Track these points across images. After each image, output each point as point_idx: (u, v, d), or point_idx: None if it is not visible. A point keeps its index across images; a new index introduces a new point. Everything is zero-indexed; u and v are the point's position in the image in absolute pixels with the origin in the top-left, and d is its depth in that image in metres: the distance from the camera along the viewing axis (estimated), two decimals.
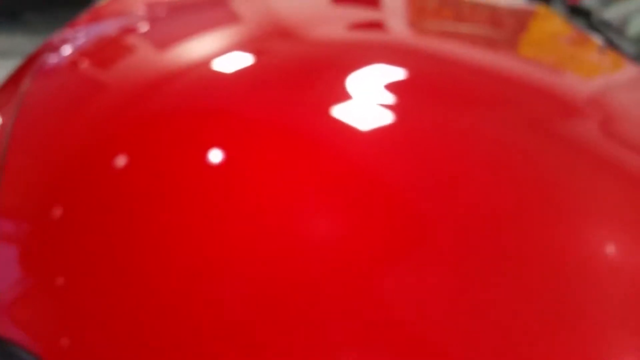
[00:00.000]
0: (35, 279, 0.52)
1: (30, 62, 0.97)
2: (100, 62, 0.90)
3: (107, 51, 0.93)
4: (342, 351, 0.44)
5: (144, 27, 0.99)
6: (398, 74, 0.80)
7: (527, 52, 1.00)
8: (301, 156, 0.62)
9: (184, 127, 0.67)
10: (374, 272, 0.49)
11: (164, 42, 0.92)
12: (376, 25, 1.03)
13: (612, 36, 1.10)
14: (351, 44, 0.92)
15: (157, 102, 0.74)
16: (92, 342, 0.46)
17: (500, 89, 0.80)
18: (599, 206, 0.60)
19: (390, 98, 0.73)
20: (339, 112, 0.69)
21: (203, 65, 0.82)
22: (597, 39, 1.09)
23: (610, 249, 0.56)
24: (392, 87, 0.77)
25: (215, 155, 0.62)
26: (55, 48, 0.96)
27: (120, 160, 0.63)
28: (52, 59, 0.91)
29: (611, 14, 1.27)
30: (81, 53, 0.92)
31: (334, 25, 0.99)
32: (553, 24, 1.21)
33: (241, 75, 0.79)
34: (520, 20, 1.21)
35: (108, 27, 1.01)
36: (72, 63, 0.88)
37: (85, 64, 0.89)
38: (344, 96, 0.73)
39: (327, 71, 0.81)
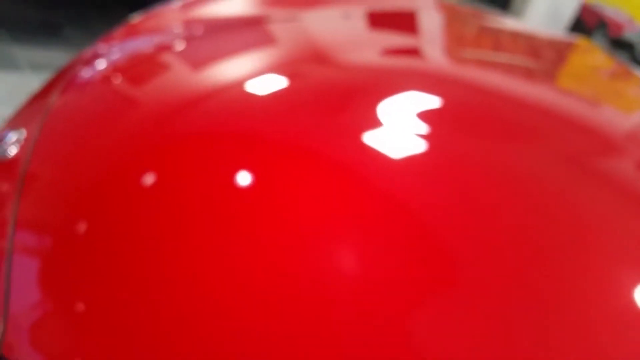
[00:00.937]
0: (54, 301, 0.50)
1: (61, 76, 0.97)
2: (131, 78, 0.89)
3: (139, 68, 0.92)
4: None
5: (177, 45, 0.99)
6: (433, 103, 0.77)
7: (566, 84, 0.96)
8: (332, 185, 0.60)
9: (212, 149, 0.65)
10: (403, 311, 0.46)
11: (197, 62, 0.91)
12: (413, 52, 1.00)
13: None
14: (387, 71, 0.90)
15: (187, 123, 0.72)
16: None
17: (537, 123, 0.77)
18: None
19: (424, 128, 0.70)
20: (374, 141, 0.67)
21: (234, 87, 0.80)
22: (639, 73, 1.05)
23: None
24: (427, 116, 0.74)
25: (243, 179, 0.60)
26: (87, 62, 0.96)
27: (146, 180, 0.61)
28: (83, 73, 0.91)
29: None
30: (113, 68, 0.92)
31: (369, 50, 0.97)
32: (594, 57, 1.17)
33: (273, 99, 0.78)
34: (559, 52, 1.18)
35: (142, 44, 1.01)
36: (103, 78, 0.88)
37: (116, 80, 0.88)
38: (378, 125, 0.71)
39: (362, 99, 0.79)
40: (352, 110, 0.74)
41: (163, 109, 0.75)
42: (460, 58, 1.01)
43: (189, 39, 1.02)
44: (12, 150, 0.70)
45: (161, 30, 1.05)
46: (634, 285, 0.52)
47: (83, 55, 1.03)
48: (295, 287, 0.47)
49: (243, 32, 1.06)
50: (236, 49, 0.98)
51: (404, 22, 1.19)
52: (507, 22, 1.39)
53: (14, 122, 0.79)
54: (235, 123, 0.72)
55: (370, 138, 0.67)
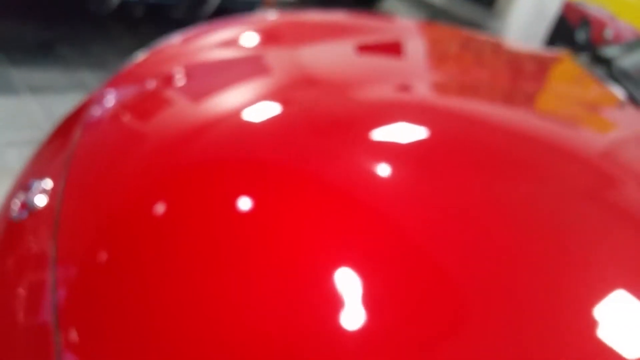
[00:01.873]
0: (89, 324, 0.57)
1: (74, 118, 1.03)
2: (143, 119, 0.96)
3: (148, 107, 0.99)
4: None
5: (184, 84, 1.05)
6: (420, 134, 0.84)
7: (547, 108, 1.03)
8: (334, 214, 0.66)
9: (224, 182, 0.72)
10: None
11: (203, 97, 0.98)
12: (401, 85, 1.07)
13: (629, 87, 1.13)
14: (379, 103, 0.97)
15: (208, 163, 0.79)
16: None
17: (525, 154, 0.84)
18: None
19: (415, 165, 0.77)
20: (380, 173, 0.74)
21: (239, 120, 0.87)
22: (617, 91, 1.12)
23: None
24: (418, 149, 0.81)
25: (254, 209, 0.66)
26: (98, 105, 1.02)
27: (167, 217, 0.68)
28: (97, 117, 0.97)
29: (630, 61, 1.30)
30: (125, 111, 0.98)
31: (360, 82, 1.04)
32: (573, 76, 1.24)
33: (278, 133, 0.84)
34: (541, 72, 1.25)
35: (148, 84, 1.07)
36: (116, 122, 0.94)
37: (129, 122, 0.95)
38: (382, 157, 0.78)
39: (356, 130, 0.86)
40: (351, 146, 0.81)
41: (179, 148, 0.82)
42: (446, 87, 1.08)
43: (193, 76, 1.08)
44: (41, 201, 0.76)
45: (165, 68, 1.11)
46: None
47: (93, 97, 1.09)
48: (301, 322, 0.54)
49: (240, 66, 1.12)
50: (235, 82, 1.04)
51: (391, 52, 1.26)
52: (488, 41, 1.46)
53: (38, 171, 0.85)
54: (242, 153, 0.79)
55: (378, 172, 0.74)
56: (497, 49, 1.40)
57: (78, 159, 0.84)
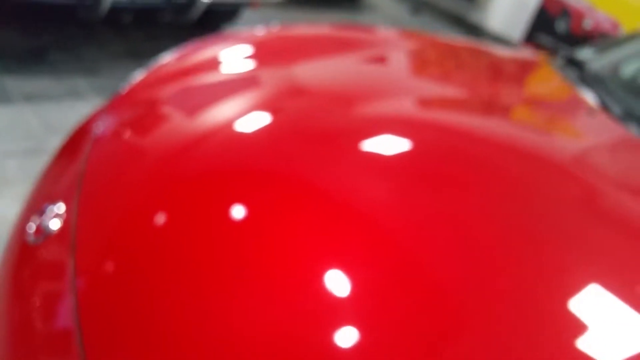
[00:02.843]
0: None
1: (78, 138, 1.09)
2: (145, 138, 1.02)
3: (149, 126, 1.05)
4: None
5: (180, 101, 1.11)
6: (408, 145, 0.92)
7: (522, 116, 1.11)
8: (327, 223, 0.74)
9: (225, 193, 0.80)
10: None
11: (200, 113, 1.04)
12: (385, 95, 1.14)
13: (600, 91, 1.20)
14: (366, 117, 1.04)
15: (201, 172, 0.87)
16: None
17: (495, 161, 0.91)
18: None
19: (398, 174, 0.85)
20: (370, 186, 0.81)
21: (235, 132, 0.94)
22: (588, 97, 1.19)
23: None
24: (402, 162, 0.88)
25: (247, 220, 0.73)
26: (102, 123, 1.08)
27: (174, 230, 0.76)
28: (100, 139, 1.03)
29: (601, 64, 1.37)
30: (127, 132, 1.04)
31: (356, 99, 1.11)
32: (548, 82, 1.31)
33: (272, 144, 0.92)
34: (518, 78, 1.32)
35: (147, 102, 1.13)
36: (120, 143, 1.01)
37: (132, 145, 1.01)
38: (369, 167, 0.86)
39: (343, 143, 0.93)
40: (339, 159, 0.88)
41: (180, 163, 0.89)
42: (428, 99, 1.15)
43: (190, 93, 1.15)
44: (56, 225, 0.82)
45: (162, 87, 1.17)
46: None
47: (95, 116, 1.15)
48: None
49: (233, 81, 1.18)
50: (229, 97, 1.11)
51: (376, 64, 1.33)
52: (467, 48, 1.53)
53: (50, 194, 0.92)
54: (239, 164, 0.87)
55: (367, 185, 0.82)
56: (476, 56, 1.47)
57: (87, 181, 0.90)
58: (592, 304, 0.67)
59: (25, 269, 0.82)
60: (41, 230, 0.83)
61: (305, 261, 0.69)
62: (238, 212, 0.77)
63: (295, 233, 0.73)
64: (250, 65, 1.23)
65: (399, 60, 1.39)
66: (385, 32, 1.61)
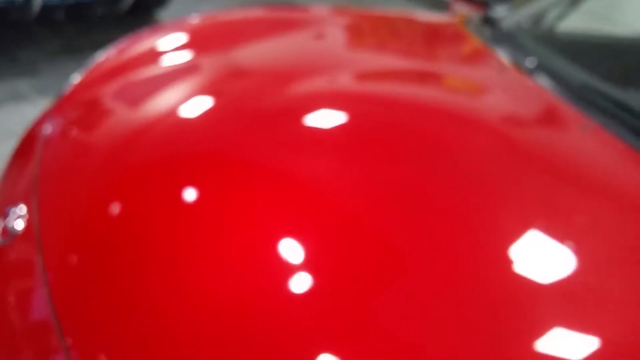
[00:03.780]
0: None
1: (28, 142, 1.15)
2: (92, 131, 1.09)
3: (95, 121, 1.11)
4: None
5: (123, 95, 1.17)
6: (345, 118, 1.01)
7: (441, 82, 1.21)
8: (268, 193, 0.83)
9: (176, 176, 0.88)
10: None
11: (144, 107, 1.11)
12: (325, 70, 1.23)
13: (511, 49, 1.32)
14: (310, 92, 1.13)
15: (149, 159, 0.95)
16: None
17: (419, 124, 1.02)
18: None
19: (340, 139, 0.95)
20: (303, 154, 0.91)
21: (180, 118, 1.01)
22: (501, 54, 1.30)
23: None
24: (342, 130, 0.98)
25: (199, 199, 0.82)
26: (49, 124, 1.14)
27: (127, 212, 0.85)
28: (49, 139, 1.09)
29: (512, 22, 1.48)
30: (75, 125, 1.11)
31: (294, 77, 1.19)
32: (463, 42, 1.42)
33: (216, 126, 1.00)
34: (433, 41, 1.42)
35: (91, 97, 1.19)
36: (69, 136, 1.07)
37: (81, 139, 1.08)
38: (310, 141, 0.95)
39: (284, 117, 1.02)
40: (278, 127, 0.98)
41: (127, 154, 0.97)
42: (361, 72, 1.25)
43: (131, 86, 1.21)
44: (20, 225, 0.89)
45: (104, 84, 1.23)
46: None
47: (42, 118, 1.20)
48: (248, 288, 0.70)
49: (173, 71, 1.25)
50: (170, 86, 1.18)
51: (312, 42, 1.41)
52: (395, 19, 1.63)
53: (11, 197, 0.98)
54: (186, 148, 0.95)
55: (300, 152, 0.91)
56: (403, 25, 1.57)
57: (43, 181, 0.96)
58: (524, 243, 0.78)
59: None
60: (7, 232, 0.90)
61: (257, 228, 0.79)
62: (190, 192, 0.85)
63: (244, 206, 0.82)
64: (188, 53, 1.29)
65: (333, 36, 1.48)
66: (318, 10, 1.69)
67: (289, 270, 0.72)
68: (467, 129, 1.04)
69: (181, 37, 1.37)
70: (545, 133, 1.08)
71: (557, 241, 0.78)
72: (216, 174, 0.89)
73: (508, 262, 0.75)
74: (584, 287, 0.73)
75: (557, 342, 0.65)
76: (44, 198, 0.92)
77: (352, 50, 1.40)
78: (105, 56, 1.36)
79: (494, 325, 0.67)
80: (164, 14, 3.66)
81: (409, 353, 0.64)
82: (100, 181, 0.93)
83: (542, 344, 0.65)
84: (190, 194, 0.85)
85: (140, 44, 1.39)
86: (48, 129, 1.13)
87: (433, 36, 1.46)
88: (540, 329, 0.67)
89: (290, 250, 0.74)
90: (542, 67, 1.22)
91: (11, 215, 0.92)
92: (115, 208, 0.86)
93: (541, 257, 0.76)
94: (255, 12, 1.62)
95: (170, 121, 1.05)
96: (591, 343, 0.67)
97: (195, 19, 1.53)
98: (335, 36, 1.48)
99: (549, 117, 1.13)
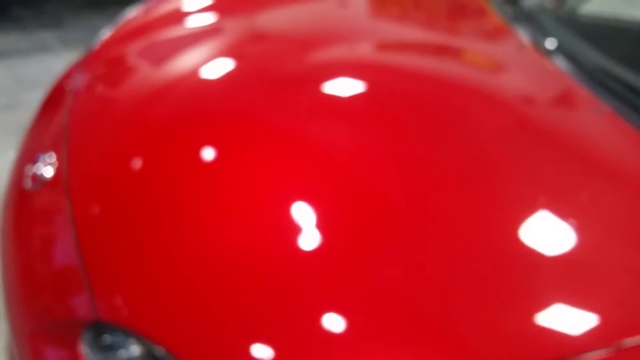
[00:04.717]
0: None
1: (57, 94, 1.19)
2: (118, 87, 1.13)
3: (122, 77, 1.16)
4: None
5: (150, 52, 1.21)
6: (364, 86, 1.04)
7: (462, 56, 1.24)
8: (290, 154, 0.88)
9: (199, 133, 0.93)
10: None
11: (170, 64, 1.15)
12: (345, 37, 1.25)
13: (531, 28, 1.33)
14: (326, 57, 1.16)
15: (175, 115, 0.99)
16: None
17: (438, 95, 1.05)
18: None
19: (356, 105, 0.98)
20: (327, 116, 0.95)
21: (202, 78, 1.06)
22: (521, 33, 1.32)
23: None
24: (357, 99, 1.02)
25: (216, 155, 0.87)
26: (78, 77, 1.18)
27: (152, 162, 0.91)
28: (79, 91, 1.14)
29: (534, 1, 1.49)
30: (103, 79, 1.15)
31: (316, 43, 1.22)
32: (485, 20, 1.43)
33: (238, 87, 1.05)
34: (458, 16, 1.44)
35: (116, 55, 1.23)
36: (97, 90, 1.12)
37: (106, 91, 1.12)
38: (328, 106, 1.00)
39: (306, 82, 1.06)
40: (304, 94, 1.02)
41: (153, 109, 1.02)
42: (380, 41, 1.27)
43: (158, 44, 1.25)
44: (49, 172, 0.94)
45: (132, 41, 1.27)
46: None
47: (71, 71, 1.24)
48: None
49: (198, 30, 1.28)
50: (195, 44, 1.22)
51: (336, 9, 1.43)
52: None
53: (41, 145, 1.03)
54: (209, 106, 1.00)
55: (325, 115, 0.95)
56: None
57: (72, 131, 1.01)
58: (527, 214, 0.82)
59: (26, 213, 0.94)
60: (37, 178, 0.95)
61: (271, 186, 0.84)
62: (208, 149, 0.90)
63: (259, 164, 0.87)
64: (213, 15, 1.32)
65: (356, 5, 1.50)
66: None
67: (300, 226, 0.77)
68: (480, 103, 1.07)
69: None
70: (556, 113, 1.10)
71: (558, 216, 0.82)
72: (234, 133, 0.94)
73: (512, 230, 0.79)
74: (587, 263, 0.77)
75: (553, 312, 0.69)
76: (73, 147, 0.97)
77: (375, 19, 1.42)
78: (133, 14, 1.39)
79: (493, 288, 0.72)
80: None
81: (411, 309, 0.69)
82: (126, 135, 0.98)
83: (539, 313, 0.69)
84: (209, 151, 0.90)
85: (166, 3, 1.42)
86: (77, 82, 1.17)
87: (456, 10, 1.47)
88: (538, 297, 0.71)
89: (302, 208, 0.79)
90: (560, 49, 1.23)
91: (41, 162, 0.97)
92: (139, 160, 0.91)
93: (543, 229, 0.79)
94: None
95: (193, 81, 1.09)
96: (589, 315, 0.70)
97: None
98: (358, 5, 1.50)
99: (563, 98, 1.15)
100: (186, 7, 1.37)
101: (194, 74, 1.11)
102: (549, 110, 1.11)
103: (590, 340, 0.68)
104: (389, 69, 1.17)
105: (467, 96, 1.08)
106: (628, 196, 0.90)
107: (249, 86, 1.07)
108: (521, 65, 1.21)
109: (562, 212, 0.83)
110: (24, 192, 0.96)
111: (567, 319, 0.69)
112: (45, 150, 1.00)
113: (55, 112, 1.12)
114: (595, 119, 1.08)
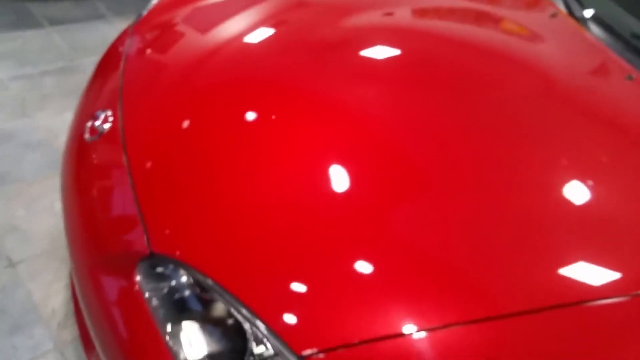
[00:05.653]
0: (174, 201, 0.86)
1: (111, 57, 1.29)
2: (167, 50, 1.22)
3: (171, 42, 1.24)
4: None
5: (199, 20, 1.29)
6: (400, 53, 1.10)
7: (498, 24, 1.27)
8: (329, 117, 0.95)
9: (243, 96, 1.01)
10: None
11: (218, 31, 1.22)
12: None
13: None
14: (365, 26, 1.21)
15: (221, 79, 1.07)
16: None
17: (473, 64, 1.09)
18: None
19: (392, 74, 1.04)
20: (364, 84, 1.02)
21: (246, 44, 1.13)
22: (559, 2, 1.33)
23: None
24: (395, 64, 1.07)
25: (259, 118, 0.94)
26: (130, 41, 1.27)
27: (201, 120, 0.98)
28: (131, 55, 1.22)
29: None
30: (154, 44, 1.24)
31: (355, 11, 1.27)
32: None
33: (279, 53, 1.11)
34: None
35: (168, 23, 1.31)
36: (146, 55, 1.20)
37: (155, 54, 1.21)
38: (365, 73, 1.06)
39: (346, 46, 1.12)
40: (338, 63, 1.08)
41: (201, 72, 1.10)
42: (419, 10, 1.31)
43: (206, 12, 1.32)
44: (106, 126, 1.04)
45: (178, 9, 1.34)
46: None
47: (122, 38, 1.33)
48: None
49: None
50: (241, 13, 1.29)
51: None
52: None
53: (99, 103, 1.12)
54: (251, 71, 1.07)
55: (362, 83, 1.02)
56: None
57: (126, 92, 1.10)
58: (552, 173, 0.87)
59: (86, 161, 1.03)
60: (95, 131, 1.04)
61: (311, 140, 0.91)
62: (251, 111, 0.97)
63: (298, 123, 0.94)
64: None
65: None
66: None
67: (335, 178, 0.84)
68: (514, 70, 1.10)
69: None
70: (588, 79, 1.13)
71: (585, 176, 0.87)
72: (275, 93, 1.01)
73: (540, 187, 0.85)
74: (609, 219, 0.83)
75: (573, 262, 0.75)
76: (127, 106, 1.06)
77: None
78: None
79: (519, 238, 0.78)
80: None
81: (437, 256, 0.76)
82: (175, 94, 1.06)
83: (561, 263, 0.75)
84: (253, 109, 0.97)
85: None
86: (129, 46, 1.26)
87: None
88: (561, 250, 0.77)
89: (338, 162, 0.86)
90: (595, 18, 1.25)
91: (99, 117, 1.06)
92: (188, 118, 0.99)
93: (569, 188, 0.85)
94: None
95: (237, 45, 1.16)
96: (608, 266, 0.76)
97: None
98: None
99: (596, 65, 1.18)
100: None
101: (238, 38, 1.18)
102: (580, 75, 1.14)
103: (607, 288, 0.74)
104: (426, 34, 1.21)
105: (501, 62, 1.12)
106: None
107: (290, 51, 1.13)
108: (556, 33, 1.24)
109: (589, 172, 0.88)
110: (84, 143, 1.05)
111: (586, 270, 0.75)
112: (102, 107, 1.09)
113: (109, 74, 1.21)
114: (625, 84, 1.10)
